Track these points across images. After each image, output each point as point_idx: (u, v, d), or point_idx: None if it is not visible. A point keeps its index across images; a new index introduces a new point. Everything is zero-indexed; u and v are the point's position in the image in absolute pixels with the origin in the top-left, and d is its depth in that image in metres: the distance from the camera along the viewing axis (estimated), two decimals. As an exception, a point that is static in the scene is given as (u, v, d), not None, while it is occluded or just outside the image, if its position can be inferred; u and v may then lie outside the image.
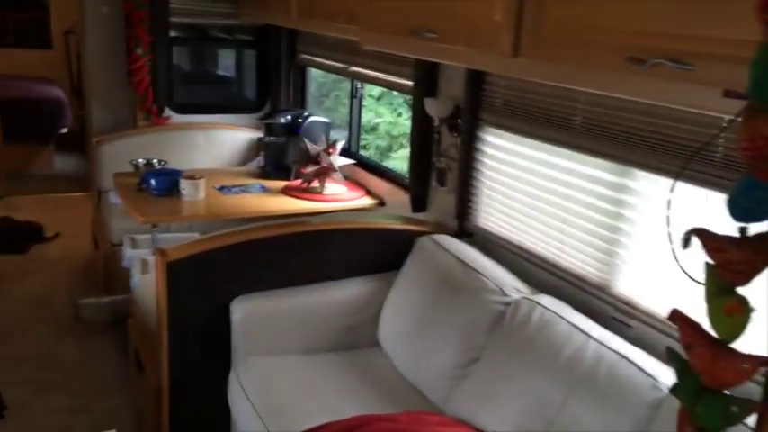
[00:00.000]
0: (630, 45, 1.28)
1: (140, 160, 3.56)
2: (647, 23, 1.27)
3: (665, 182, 1.82)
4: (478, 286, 2.20)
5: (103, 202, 3.94)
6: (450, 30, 1.83)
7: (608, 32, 1.35)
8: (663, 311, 1.87)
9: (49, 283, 4.20)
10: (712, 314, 0.93)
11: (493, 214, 2.55)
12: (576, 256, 2.17)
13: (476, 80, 2.47)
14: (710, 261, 0.94)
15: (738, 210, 0.88)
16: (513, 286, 2.19)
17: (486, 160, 2.55)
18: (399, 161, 4.10)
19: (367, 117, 4.00)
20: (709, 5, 1.15)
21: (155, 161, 3.58)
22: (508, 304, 2.11)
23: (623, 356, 1.77)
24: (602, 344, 1.82)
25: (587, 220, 2.11)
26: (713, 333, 0.95)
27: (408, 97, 4.03)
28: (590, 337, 1.86)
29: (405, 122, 4.27)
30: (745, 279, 0.90)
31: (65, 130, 6.58)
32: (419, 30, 1.93)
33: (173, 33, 4.03)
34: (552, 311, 1.99)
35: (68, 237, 4.90)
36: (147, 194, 3.19)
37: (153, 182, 3.17)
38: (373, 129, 4.38)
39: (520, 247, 2.40)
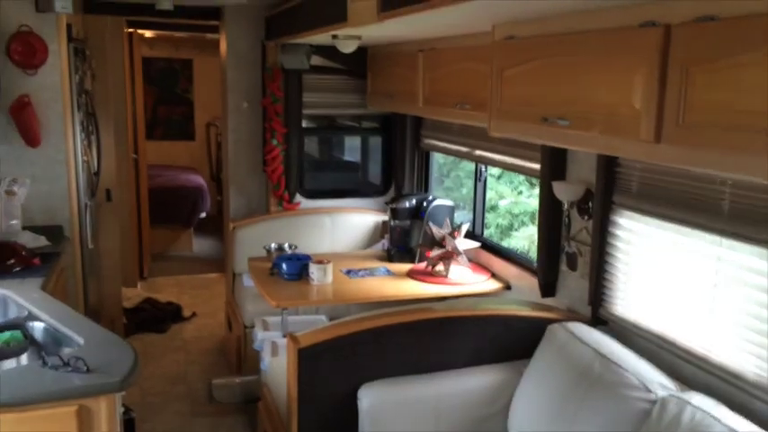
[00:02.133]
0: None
1: (272, 245, 3.72)
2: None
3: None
4: (619, 381, 2.06)
5: (237, 285, 4.13)
6: (585, 117, 1.80)
7: (758, 116, 1.27)
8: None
9: (185, 361, 4.40)
10: None
11: (630, 301, 2.41)
12: (729, 350, 1.99)
13: (609, 163, 2.40)
14: None
15: None
16: (658, 382, 2.03)
17: (620, 245, 2.44)
18: (520, 240, 4.02)
19: (488, 196, 3.98)
20: None
21: (285, 245, 3.72)
22: (653, 402, 1.96)
23: (794, 467, 1.57)
24: (766, 452, 1.63)
25: (740, 311, 1.94)
26: None
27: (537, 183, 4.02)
28: (751, 442, 1.67)
29: (525, 201, 4.21)
30: None
31: (204, 215, 7.05)
32: (551, 117, 1.92)
33: (307, 124, 4.27)
34: (705, 412, 1.82)
35: (204, 317, 5.16)
36: (278, 278, 3.30)
37: (284, 267, 3.29)
38: (493, 208, 4.35)
39: (662, 338, 2.24)
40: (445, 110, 3.02)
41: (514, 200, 4.34)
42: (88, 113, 3.82)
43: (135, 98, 5.74)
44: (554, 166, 2.72)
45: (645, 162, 2.26)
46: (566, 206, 2.66)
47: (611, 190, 2.42)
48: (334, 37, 3.15)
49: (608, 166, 2.41)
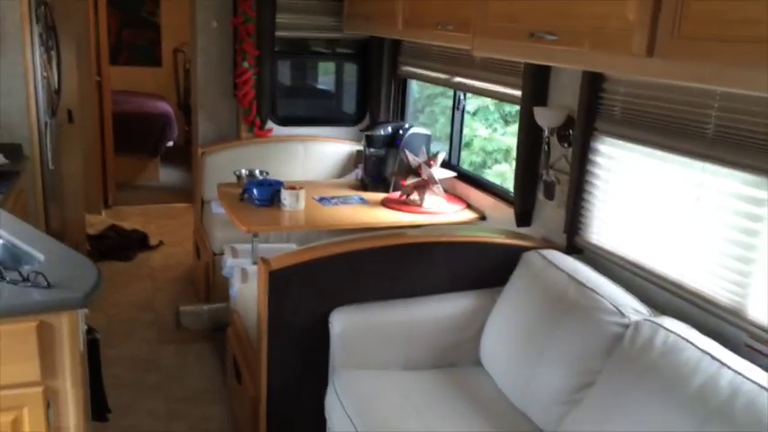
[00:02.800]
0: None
1: (243, 171, 3.61)
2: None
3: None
4: (593, 306, 2.05)
5: (206, 212, 4.03)
6: (574, 31, 1.72)
7: (758, 25, 1.21)
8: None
9: (152, 289, 4.34)
10: None
11: (606, 229, 2.39)
12: (703, 276, 1.98)
13: (592, 87, 2.33)
14: None
15: None
16: (632, 307, 2.03)
17: (600, 172, 2.40)
18: (494, 177, 3.98)
19: (463, 132, 3.90)
20: None
21: (257, 172, 3.63)
22: (627, 326, 1.95)
23: (764, 388, 1.58)
24: (738, 373, 1.64)
25: (717, 237, 1.93)
26: None
27: (506, 112, 3.96)
28: (723, 365, 1.68)
29: (500, 138, 4.15)
30: None
31: (171, 144, 6.86)
32: (538, 32, 1.83)
33: (279, 47, 4.10)
34: (678, 335, 1.82)
35: (171, 246, 5.07)
36: (249, 204, 3.22)
37: (255, 192, 3.20)
38: (467, 144, 4.28)
39: (637, 265, 2.23)
40: (426, 31, 2.90)
41: (488, 135, 4.28)
42: (47, 27, 3.60)
43: (98, 19, 5.46)
44: (536, 91, 2.65)
45: (629, 84, 2.21)
46: (546, 133, 2.60)
47: (593, 116, 2.36)
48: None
49: (591, 91, 2.34)
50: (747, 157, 1.78)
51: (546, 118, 2.55)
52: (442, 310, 2.50)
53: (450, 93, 4.08)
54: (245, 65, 3.98)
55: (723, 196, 1.91)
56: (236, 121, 4.21)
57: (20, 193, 3.01)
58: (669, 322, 1.88)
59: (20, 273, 1.81)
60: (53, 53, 3.69)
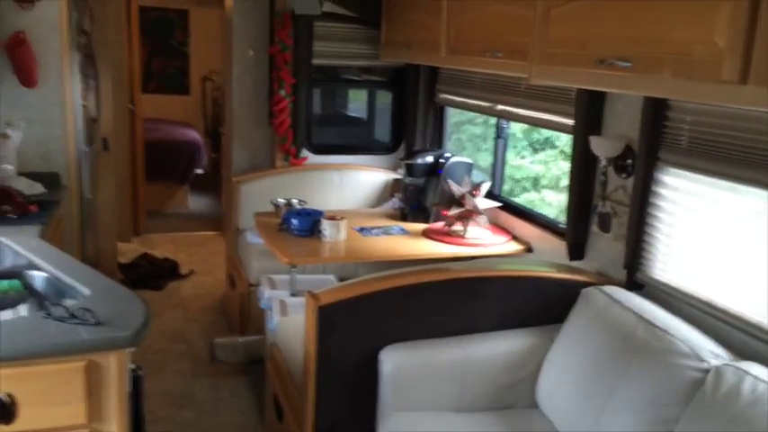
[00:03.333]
0: None
1: (280, 200, 3.54)
2: None
3: None
4: (667, 348, 1.92)
5: (241, 242, 3.96)
6: (651, 57, 1.63)
7: None
8: None
9: (184, 319, 4.25)
10: None
11: (673, 265, 2.26)
12: (785, 318, 1.86)
13: (655, 116, 2.23)
14: None
15: None
16: (710, 350, 1.89)
17: (664, 204, 2.28)
18: (540, 206, 3.87)
19: (490, 160, 3.80)
20: None
21: (294, 201, 3.55)
22: (706, 371, 1.82)
23: None
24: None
25: (801, 276, 1.80)
26: None
27: (534, 139, 3.86)
28: (819, 415, 1.55)
29: (528, 166, 4.05)
30: None
31: (200, 171, 6.84)
32: (608, 59, 1.74)
33: (316, 76, 4.06)
34: (762, 381, 1.69)
35: (202, 274, 5.00)
36: (287, 234, 3.14)
37: (295, 221, 3.12)
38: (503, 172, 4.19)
39: (709, 304, 2.10)
40: (472, 59, 2.83)
41: (517, 164, 4.18)
42: (87, 56, 3.59)
43: (131, 48, 5.49)
44: (589, 120, 2.56)
45: (696, 115, 2.10)
46: (603, 163, 2.49)
47: (656, 145, 2.26)
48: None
49: (654, 120, 2.24)
50: (838, 191, 1.67)
51: (603, 147, 2.45)
52: (496, 348, 2.38)
53: (479, 120, 4.00)
54: (282, 93, 3.93)
55: (809, 232, 1.79)
56: (271, 150, 4.16)
57: (58, 223, 2.95)
58: (756, 368, 1.75)
59: (66, 308, 1.73)
60: (91, 81, 3.67)
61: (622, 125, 2.45)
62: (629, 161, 2.41)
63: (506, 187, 4.08)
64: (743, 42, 1.40)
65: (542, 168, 3.81)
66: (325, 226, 3.07)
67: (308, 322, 2.26)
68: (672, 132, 2.21)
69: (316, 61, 4.04)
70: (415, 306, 2.35)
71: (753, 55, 1.39)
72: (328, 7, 3.88)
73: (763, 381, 1.68)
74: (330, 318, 2.23)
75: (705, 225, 2.12)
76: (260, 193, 3.83)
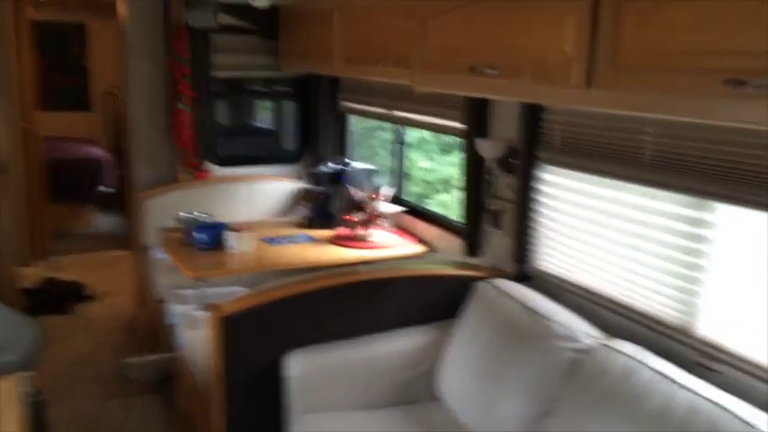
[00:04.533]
0: (728, 67, 1.19)
1: (185, 214, 3.52)
2: (748, 42, 1.17)
3: (747, 213, 1.71)
4: (547, 333, 2.07)
5: (148, 259, 3.91)
6: (514, 64, 1.76)
7: (701, 55, 1.26)
8: (754, 353, 1.73)
9: (93, 342, 4.15)
10: None
11: (554, 256, 2.43)
12: (650, 297, 2.04)
13: (531, 117, 2.39)
14: None
15: None
16: (585, 332, 2.06)
17: (544, 200, 2.45)
18: (436, 206, 4.02)
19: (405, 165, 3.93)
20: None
21: (199, 215, 3.54)
22: (582, 351, 1.98)
23: (719, 406, 1.62)
24: (694, 393, 1.68)
25: (661, 258, 1.98)
26: None
27: (443, 142, 4.01)
28: (679, 385, 1.71)
29: (439, 168, 4.20)
30: None
31: (105, 189, 6.65)
32: (478, 66, 1.86)
33: (214, 88, 4.06)
34: (633, 358, 1.85)
35: (111, 295, 4.87)
36: (193, 249, 3.14)
37: (199, 235, 3.12)
38: (407, 176, 4.32)
39: (586, 290, 2.27)
40: (365, 68, 2.93)
41: (429, 167, 4.33)
42: (-30, 76, 3.46)
43: (21, 65, 5.28)
44: (476, 123, 2.70)
45: (567, 113, 2.27)
46: (489, 163, 2.64)
47: (534, 144, 2.42)
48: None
49: (531, 121, 2.40)
50: (685, 180, 1.85)
51: (487, 149, 2.60)
52: (398, 346, 2.48)
53: (389, 125, 4.12)
54: (181, 106, 3.91)
55: (664, 219, 1.96)
56: (175, 165, 4.12)
57: (-54, 251, 2.84)
58: (623, 345, 1.92)
59: (-48, 339, 1.70)
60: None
61: (505, 127, 2.60)
62: (513, 160, 2.56)
63: (419, 189, 4.21)
64: (586, 49, 1.54)
65: (453, 170, 3.96)
66: (230, 237, 3.08)
67: (212, 333, 2.28)
68: (547, 132, 2.38)
69: (217, 73, 4.04)
70: (317, 311, 2.42)
71: (596, 61, 1.53)
72: (225, 20, 3.89)
73: (630, 357, 1.85)
74: (234, 328, 2.27)
75: (579, 217, 2.29)
76: (166, 209, 3.78)
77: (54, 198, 5.86)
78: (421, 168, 4.31)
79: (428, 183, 4.32)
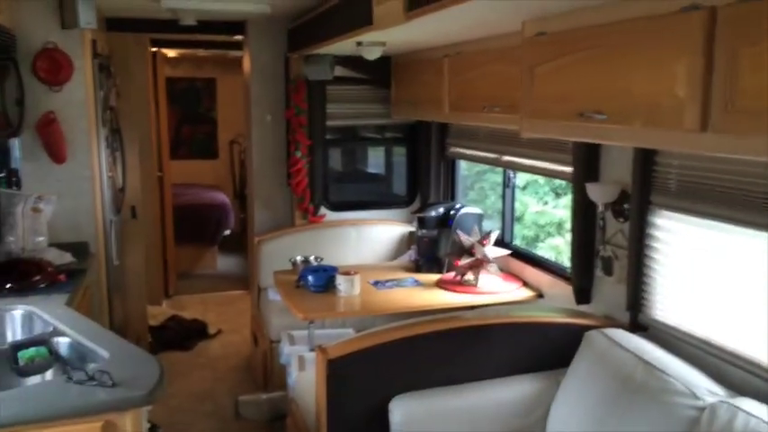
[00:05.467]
0: None
1: (298, 257, 3.66)
2: None
3: None
4: (664, 387, 1.96)
5: (263, 299, 4.08)
6: (623, 110, 1.72)
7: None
8: None
9: (212, 378, 4.35)
10: None
11: (671, 305, 2.30)
12: (780, 353, 1.88)
13: (644, 161, 2.31)
14: None
15: None
16: (705, 388, 1.93)
17: (659, 246, 2.34)
18: (548, 250, 3.93)
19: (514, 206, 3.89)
20: None
21: (311, 258, 3.67)
22: (702, 409, 1.85)
23: None
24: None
25: (792, 312, 1.84)
26: None
27: (556, 185, 3.94)
28: (813, 451, 1.57)
29: (551, 211, 4.12)
30: None
31: (228, 232, 7.03)
32: (587, 112, 1.84)
33: (329, 136, 4.24)
34: (759, 418, 1.71)
35: (229, 333, 5.11)
36: (304, 291, 3.25)
37: (310, 278, 3.23)
38: (519, 219, 4.26)
39: (707, 342, 2.13)
40: (473, 114, 2.96)
41: (541, 209, 4.25)
42: (113, 130, 3.81)
43: (159, 117, 5.77)
44: (587, 167, 2.64)
45: (683, 159, 2.18)
46: (600, 208, 2.57)
47: (648, 189, 2.33)
48: (359, 44, 3.10)
49: (644, 165, 2.32)
50: (816, 227, 1.72)
51: (599, 193, 2.53)
52: (505, 394, 2.43)
53: (499, 168, 4.11)
54: (298, 154, 4.10)
55: (794, 268, 1.83)
56: (291, 209, 4.31)
57: (86, 289, 3.11)
58: (748, 404, 1.78)
59: (85, 372, 1.85)
60: (118, 154, 3.89)
61: (617, 171, 2.53)
62: (626, 206, 2.47)
63: (531, 233, 4.14)
64: (701, 93, 1.48)
65: (566, 213, 3.88)
66: (340, 281, 3.17)
67: (317, 376, 2.34)
68: (661, 176, 2.29)
69: (330, 122, 4.22)
70: (423, 355, 2.42)
71: (711, 105, 1.47)
72: (340, 71, 4.07)
73: (754, 416, 1.71)
74: (340, 371, 2.31)
75: (699, 265, 2.17)
76: (281, 252, 3.96)
77: (181, 240, 6.28)
78: (532, 212, 4.25)
79: (540, 226, 4.24)
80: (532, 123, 2.24)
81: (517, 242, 3.85)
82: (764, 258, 1.91)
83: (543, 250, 3.95)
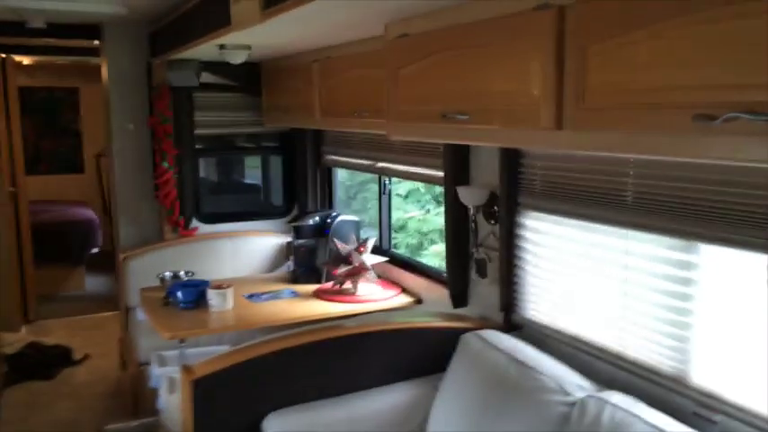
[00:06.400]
0: (696, 101, 1.14)
1: (167, 273, 3.45)
2: (714, 75, 1.13)
3: (732, 254, 1.64)
4: (536, 386, 1.97)
5: (131, 320, 3.81)
6: (484, 110, 1.72)
7: (668, 91, 1.21)
8: (751, 401, 1.64)
9: (77, 408, 4.01)
10: None
11: (542, 304, 2.35)
12: (642, 345, 1.95)
13: (511, 163, 2.35)
14: None
15: None
16: (576, 383, 1.96)
17: (529, 246, 2.38)
18: (432, 257, 3.95)
19: (395, 215, 3.89)
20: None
21: (182, 273, 3.46)
22: (572, 404, 1.88)
23: (716, 459, 1.52)
24: (689, 446, 1.58)
25: (651, 304, 1.91)
26: None
27: (437, 192, 3.98)
28: (673, 437, 1.62)
29: (434, 218, 4.15)
30: None
31: (96, 250, 6.59)
32: (449, 113, 1.82)
33: (198, 145, 4.04)
34: (625, 410, 1.75)
35: (98, 358, 4.75)
36: (173, 308, 3.05)
37: (179, 294, 3.04)
38: (402, 227, 4.26)
39: (576, 339, 2.18)
40: (343, 120, 2.91)
41: (422, 216, 4.28)
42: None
43: (11, 129, 5.30)
44: (457, 171, 2.66)
45: (546, 158, 2.22)
46: (471, 211, 2.58)
47: (515, 191, 2.37)
48: (222, 47, 2.97)
49: (510, 167, 2.35)
50: (669, 222, 1.79)
51: (469, 197, 2.54)
52: (385, 403, 2.38)
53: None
54: (165, 165, 3.89)
55: (650, 262, 1.90)
56: (160, 223, 4.07)
57: None
58: (615, 397, 1.82)
59: None
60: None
61: (486, 174, 2.55)
62: (495, 208, 2.50)
63: (414, 241, 4.14)
64: (554, 91, 1.50)
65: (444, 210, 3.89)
66: (211, 296, 3.01)
67: (183, 397, 2.18)
68: (527, 178, 2.33)
69: (201, 131, 4.04)
70: (298, 369, 2.33)
71: (564, 103, 1.49)
72: (207, 78, 3.90)
73: (620, 408, 1.75)
74: (207, 390, 2.17)
75: (565, 263, 2.22)
76: (149, 268, 3.70)
77: (43, 261, 5.80)
78: (414, 219, 4.26)
79: (423, 234, 4.26)
80: (399, 127, 2.21)
81: (401, 251, 3.85)
82: (622, 254, 1.98)
83: (427, 257, 3.97)
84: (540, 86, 1.53)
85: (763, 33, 1.04)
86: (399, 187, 3.84)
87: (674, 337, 1.84)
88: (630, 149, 1.41)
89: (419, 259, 3.67)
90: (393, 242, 3.74)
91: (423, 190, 4.20)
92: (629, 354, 1.99)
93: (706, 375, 1.77)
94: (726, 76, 1.12)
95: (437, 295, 2.99)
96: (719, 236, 1.65)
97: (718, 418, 1.72)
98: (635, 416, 1.71)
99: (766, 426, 1.61)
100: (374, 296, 3.17)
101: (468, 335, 2.37)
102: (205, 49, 3.06)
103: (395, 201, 3.86)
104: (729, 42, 1.11)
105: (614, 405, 1.77)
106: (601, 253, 2.07)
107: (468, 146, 2.62)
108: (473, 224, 2.60)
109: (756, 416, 1.63)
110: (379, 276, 3.31)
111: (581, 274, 2.15)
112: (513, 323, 2.46)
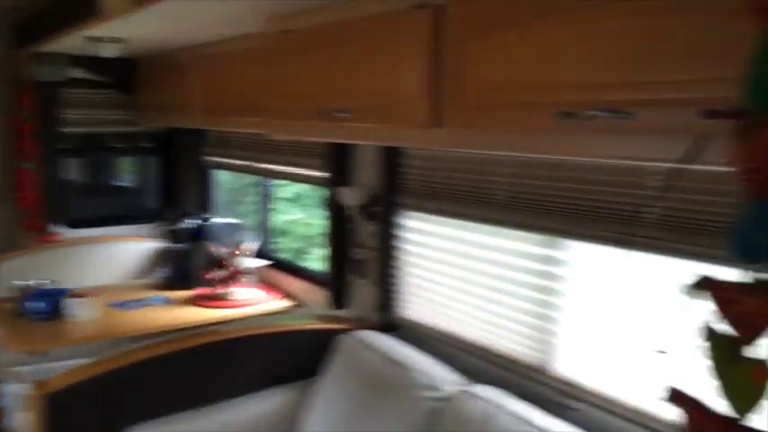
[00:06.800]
0: (559, 100, 1.18)
1: (22, 283, 3.16)
2: (576, 75, 1.17)
3: (594, 249, 1.73)
4: (408, 383, 1.98)
5: (-18, 334, 3.48)
6: (362, 107, 1.71)
7: (532, 90, 1.25)
8: (609, 389, 1.72)
9: None
10: (730, 385, 0.74)
11: (418, 303, 2.37)
12: (510, 339, 2.01)
13: (390, 163, 2.36)
14: (715, 318, 0.76)
15: (749, 246, 0.72)
16: (446, 379, 1.99)
17: (407, 246, 2.40)
18: (317, 261, 3.90)
19: (282, 219, 3.82)
20: (641, 48, 1.07)
21: (40, 282, 3.18)
22: (443, 400, 1.90)
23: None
24: (551, 435, 1.63)
25: (518, 299, 1.97)
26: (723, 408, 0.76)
27: (323, 195, 3.93)
28: (537, 427, 1.67)
29: (320, 222, 4.10)
30: (754, 335, 0.72)
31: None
32: (327, 110, 1.80)
33: (68, 145, 3.78)
34: (492, 403, 1.79)
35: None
36: (28, 320, 2.81)
37: (33, 304, 2.81)
38: (286, 231, 4.18)
39: (449, 336, 2.22)
40: (224, 119, 2.82)
41: (307, 219, 4.22)
42: None
43: None
44: (339, 171, 2.64)
45: (424, 158, 2.25)
46: (351, 212, 2.57)
47: (394, 191, 2.38)
48: (97, 40, 2.79)
49: (390, 167, 2.36)
50: (535, 218, 1.85)
51: (348, 197, 2.53)
52: (261, 409, 2.31)
53: (271, 180, 3.99)
54: (27, 165, 3.60)
55: (516, 258, 1.96)
56: (15, 228, 3.76)
57: None
58: (483, 390, 1.86)
59: None
60: None
61: (366, 174, 2.55)
62: (376, 208, 2.50)
63: (297, 245, 4.04)
64: (430, 89, 1.51)
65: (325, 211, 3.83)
66: (69, 305, 2.80)
67: (35, 414, 1.99)
68: (406, 177, 2.34)
69: (69, 129, 3.78)
70: (164, 378, 2.20)
71: (442, 100, 1.50)
72: (78, 73, 3.66)
73: (489, 402, 1.79)
74: (62, 405, 1.99)
75: (440, 262, 2.25)
76: (4, 279, 3.40)
77: None
78: (298, 223, 4.18)
79: (308, 238, 4.20)
80: (278, 125, 2.17)
81: (286, 255, 3.76)
82: (491, 251, 2.03)
83: (312, 261, 3.91)
84: (416, 84, 1.54)
85: (624, 34, 1.09)
86: (286, 191, 3.76)
87: (540, 330, 1.91)
88: (503, 147, 1.45)
89: (304, 263, 3.61)
90: (278, 246, 3.67)
91: (308, 192, 4.14)
92: (499, 348, 2.04)
93: (568, 365, 1.84)
94: (589, 76, 1.17)
95: (318, 298, 2.94)
96: (583, 232, 1.72)
97: (579, 406, 1.79)
98: (500, 408, 1.75)
99: (623, 411, 1.70)
100: (251, 300, 3.08)
101: (343, 336, 2.34)
102: (74, 41, 2.87)
103: (282, 204, 3.79)
104: (593, 42, 1.16)
105: (482, 398, 1.81)
106: (476, 251, 2.11)
107: (350, 146, 2.61)
108: (352, 224, 2.59)
109: (613, 402, 1.71)
110: (261, 280, 3.22)
111: (456, 272, 2.19)
112: (390, 323, 2.46)
